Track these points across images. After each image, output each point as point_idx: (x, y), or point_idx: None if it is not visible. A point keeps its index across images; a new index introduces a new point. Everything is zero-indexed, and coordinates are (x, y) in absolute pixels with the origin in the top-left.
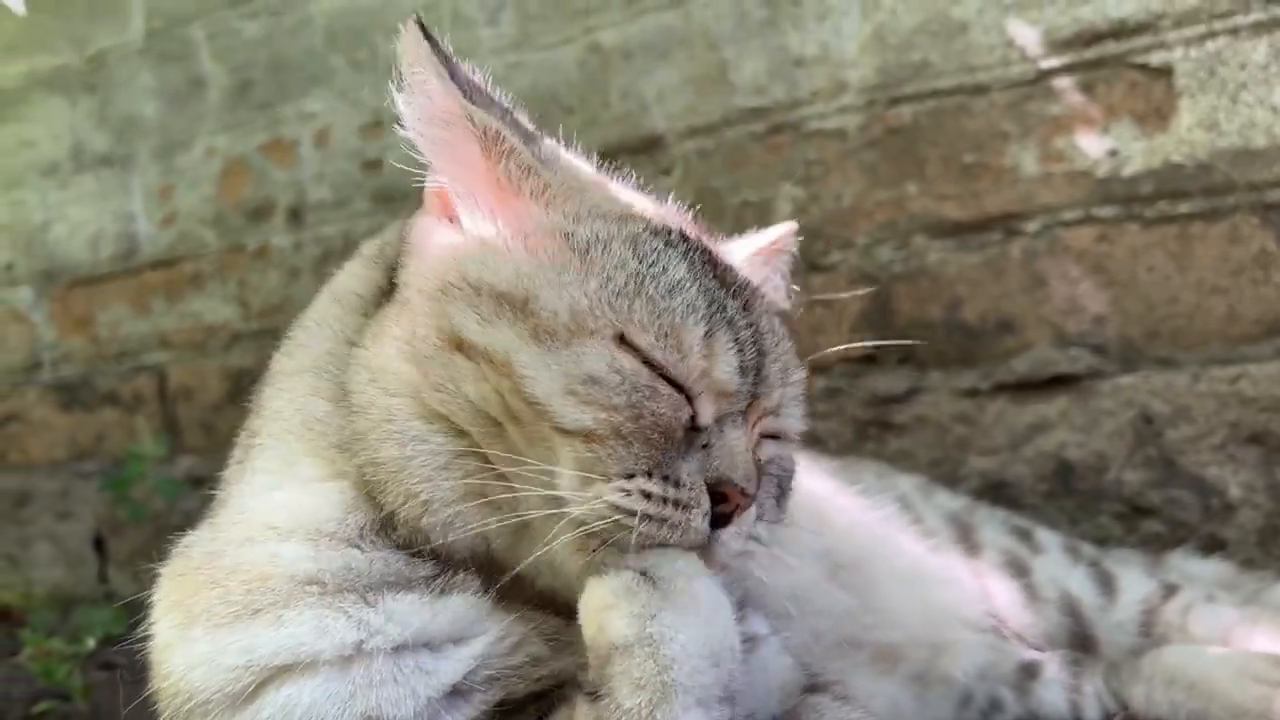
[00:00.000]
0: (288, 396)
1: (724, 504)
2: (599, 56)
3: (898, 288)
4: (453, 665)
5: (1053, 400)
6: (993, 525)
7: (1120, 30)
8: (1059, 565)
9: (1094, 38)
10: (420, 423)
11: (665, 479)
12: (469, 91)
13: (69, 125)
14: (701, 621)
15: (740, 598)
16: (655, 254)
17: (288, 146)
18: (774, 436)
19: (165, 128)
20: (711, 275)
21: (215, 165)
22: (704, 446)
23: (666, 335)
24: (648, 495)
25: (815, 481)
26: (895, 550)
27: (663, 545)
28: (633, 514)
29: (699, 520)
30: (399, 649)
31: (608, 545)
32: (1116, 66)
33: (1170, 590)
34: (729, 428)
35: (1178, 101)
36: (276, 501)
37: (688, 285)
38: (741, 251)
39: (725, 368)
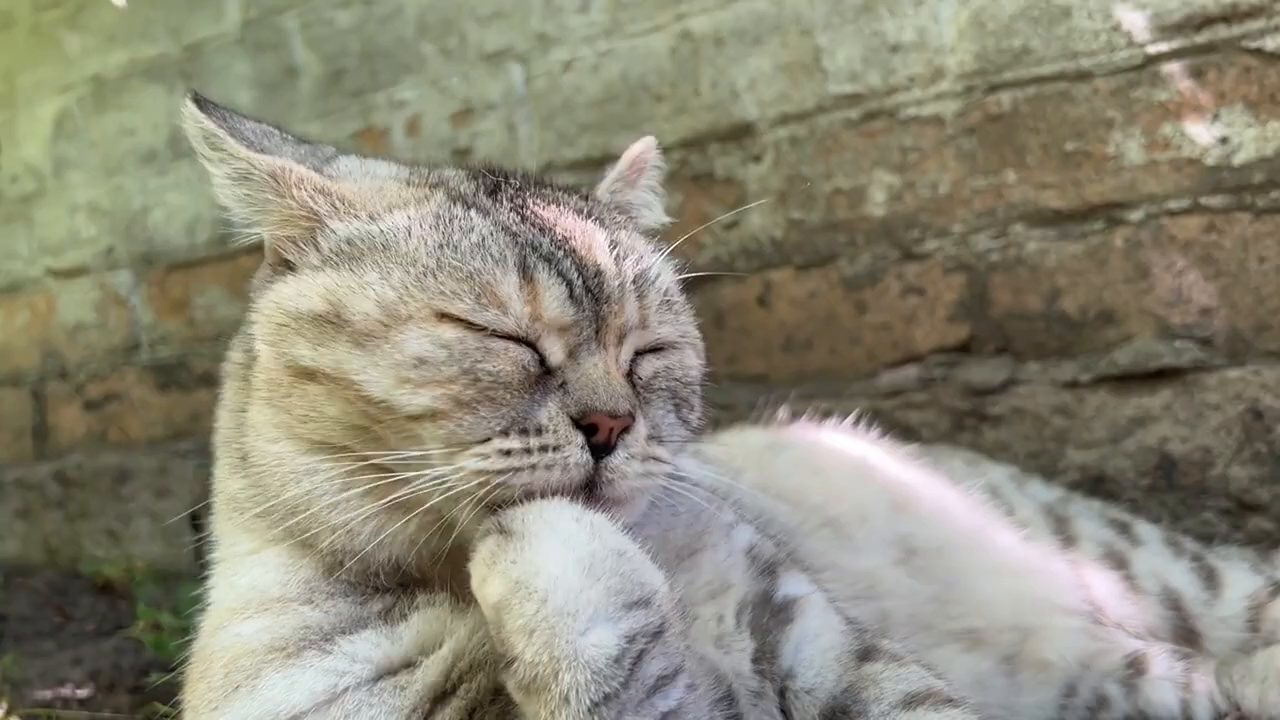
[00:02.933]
0: (217, 482)
1: (597, 434)
2: (690, 44)
3: (995, 277)
4: (424, 673)
5: (1156, 393)
6: (1089, 517)
7: (1232, 14)
8: (1160, 558)
9: (1205, 21)
10: (306, 457)
11: (524, 431)
12: (253, 142)
13: (167, 113)
14: (561, 544)
15: (770, 559)
16: (455, 222)
17: (380, 134)
18: (655, 350)
19: (260, 115)
20: (522, 219)
21: None
22: (561, 385)
23: (480, 295)
24: (507, 453)
25: (895, 467)
26: (985, 538)
27: (553, 491)
28: (501, 473)
29: (576, 454)
30: (375, 678)
31: (497, 501)
32: (1228, 51)
33: (1278, 587)
34: (583, 358)
35: None
36: (232, 585)
37: (491, 240)
38: (603, 183)
39: (552, 303)
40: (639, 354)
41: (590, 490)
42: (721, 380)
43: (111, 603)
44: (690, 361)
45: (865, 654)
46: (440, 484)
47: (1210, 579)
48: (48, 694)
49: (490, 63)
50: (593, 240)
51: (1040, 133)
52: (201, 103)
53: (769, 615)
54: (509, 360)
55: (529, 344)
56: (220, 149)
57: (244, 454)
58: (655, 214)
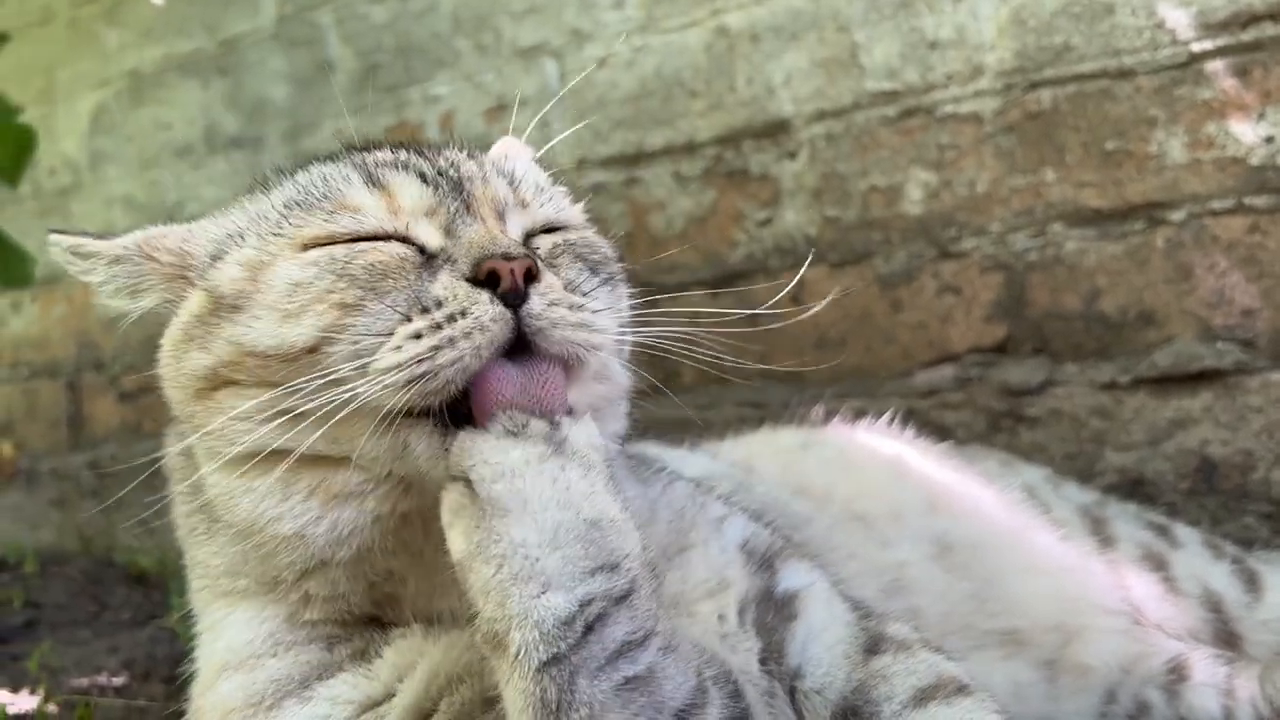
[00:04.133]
0: (190, 567)
1: (500, 282)
2: (725, 40)
3: (1033, 277)
4: (401, 697)
5: (1196, 395)
6: (1126, 519)
7: (1279, 11)
8: (1200, 560)
9: (1251, 19)
10: (241, 479)
11: (424, 310)
12: (106, 234)
13: (202, 108)
14: (528, 515)
15: (767, 550)
16: (307, 175)
17: (414, 129)
18: (550, 230)
19: (294, 110)
20: (376, 151)
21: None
22: (448, 259)
23: (333, 212)
24: (417, 336)
25: (929, 466)
26: (1023, 537)
27: (485, 356)
28: (420, 359)
29: (487, 307)
30: (356, 717)
31: (435, 395)
32: (1274, 49)
33: None
34: (462, 230)
35: None
36: (212, 651)
37: (336, 171)
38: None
39: (408, 193)
40: (532, 235)
41: (526, 350)
42: (754, 379)
43: (145, 592)
44: (596, 239)
45: (873, 645)
46: (370, 402)
47: (1251, 582)
48: (84, 681)
49: (524, 58)
50: (447, 151)
51: (1081, 131)
52: (62, 230)
53: (772, 612)
54: (383, 253)
55: (400, 239)
56: (88, 254)
57: (205, 510)
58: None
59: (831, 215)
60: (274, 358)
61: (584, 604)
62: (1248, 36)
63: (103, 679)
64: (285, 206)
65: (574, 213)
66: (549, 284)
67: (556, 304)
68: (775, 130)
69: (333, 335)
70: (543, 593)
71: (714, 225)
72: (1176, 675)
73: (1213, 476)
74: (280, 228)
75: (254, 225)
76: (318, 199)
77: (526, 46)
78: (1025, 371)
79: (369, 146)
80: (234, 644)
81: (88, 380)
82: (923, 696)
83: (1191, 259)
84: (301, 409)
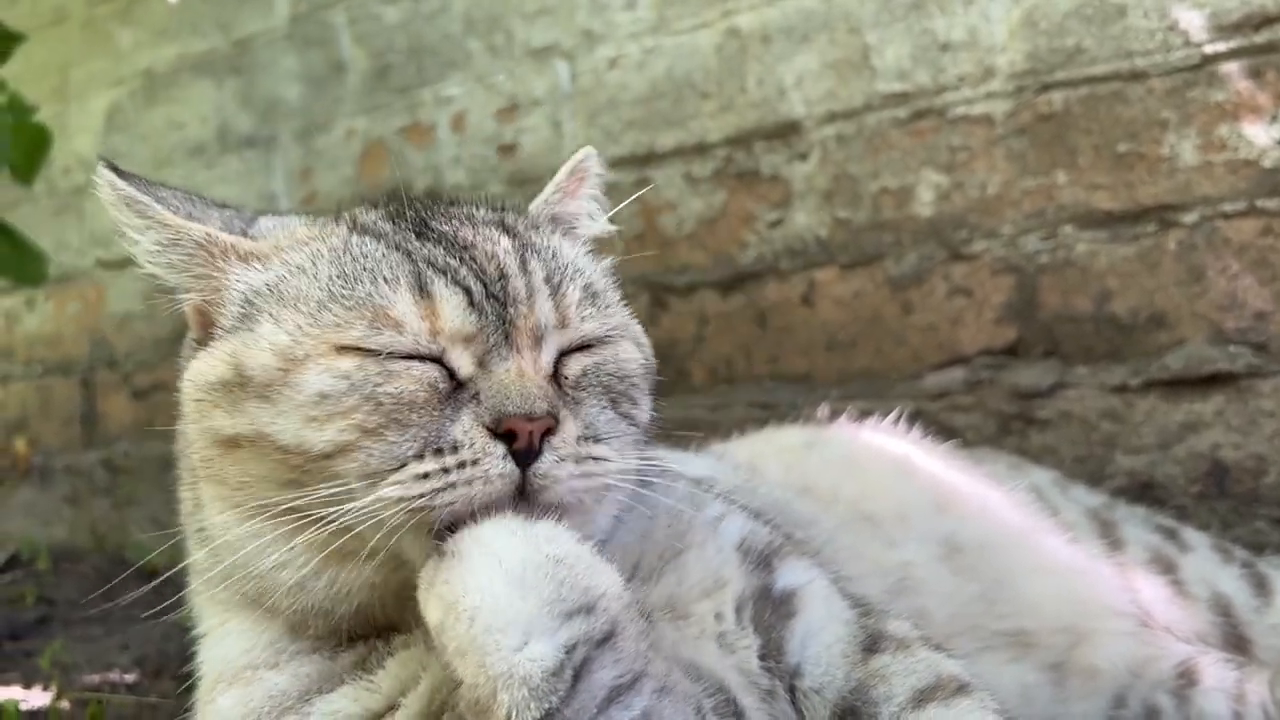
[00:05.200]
0: (190, 557)
1: (516, 440)
2: (737, 41)
3: (1044, 279)
4: (404, 712)
5: (1208, 399)
6: (1135, 522)
7: None
8: (1209, 563)
9: (1264, 21)
10: (248, 524)
11: (439, 451)
12: (179, 209)
13: (215, 107)
14: (489, 559)
15: (765, 548)
16: (349, 251)
17: (425, 129)
18: (583, 348)
19: (307, 110)
20: (419, 237)
21: (355, 147)
22: (474, 396)
23: (374, 319)
24: (424, 476)
25: (937, 466)
26: (1031, 538)
27: (481, 506)
28: (421, 496)
29: (497, 465)
30: None
31: (437, 532)
32: None
33: None
34: (495, 365)
35: None
36: (210, 659)
37: (383, 262)
38: (546, 190)
39: (452, 314)
40: (565, 354)
41: (527, 499)
42: (764, 380)
43: (158, 589)
44: (627, 354)
45: (872, 644)
46: (368, 517)
47: (1261, 586)
48: (96, 678)
49: (536, 59)
50: (495, 247)
51: (1092, 133)
52: (118, 169)
53: (770, 610)
54: (412, 380)
55: (435, 360)
56: (148, 216)
57: (200, 527)
58: (598, 223)
59: (842, 217)
60: (292, 452)
61: (569, 649)
62: (1261, 38)
63: (115, 676)
64: (329, 296)
65: (615, 316)
66: (564, 437)
67: (565, 460)
68: (786, 131)
69: (350, 450)
70: (525, 643)
71: (724, 226)
72: (1186, 680)
73: (1224, 480)
74: (319, 319)
75: (294, 298)
76: (361, 300)
77: (538, 47)
78: (1036, 374)
79: (420, 209)
80: (230, 655)
81: (101, 377)
82: (921, 698)
83: (1203, 261)
84: (311, 505)
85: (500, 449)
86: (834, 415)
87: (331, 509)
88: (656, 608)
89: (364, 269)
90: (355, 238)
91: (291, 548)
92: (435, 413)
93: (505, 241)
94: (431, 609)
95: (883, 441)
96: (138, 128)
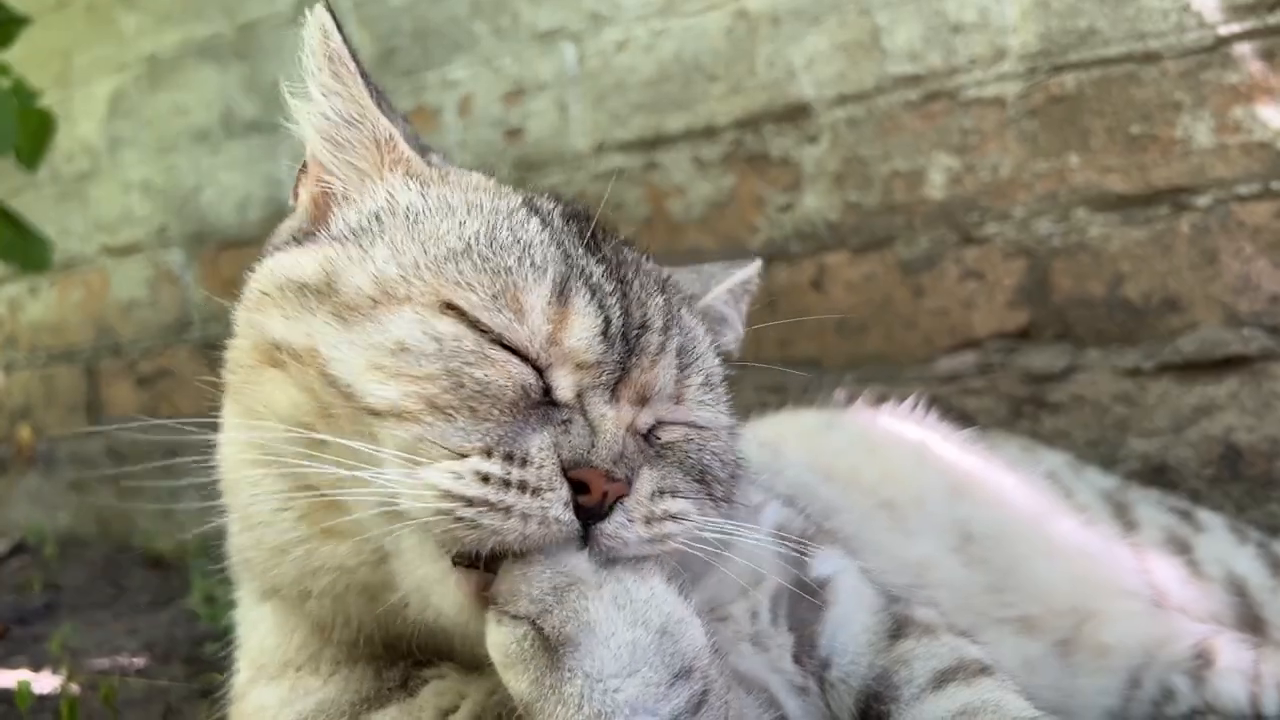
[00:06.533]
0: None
1: (586, 494)
2: (746, 22)
3: (1056, 262)
4: None
5: (1222, 382)
6: (1149, 504)
7: None
8: (1223, 544)
9: (1278, 2)
10: (251, 469)
11: (508, 457)
12: (379, 94)
13: (220, 92)
14: (599, 643)
15: (799, 536)
16: (511, 219)
17: (431, 114)
18: (686, 425)
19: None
20: (584, 249)
21: None
22: (562, 424)
23: (498, 296)
24: (485, 478)
25: (953, 451)
26: (1044, 523)
27: (526, 549)
28: (467, 501)
29: (558, 509)
30: None
31: (453, 543)
32: None
33: None
34: (592, 405)
35: None
36: (248, 642)
37: (539, 247)
38: (717, 290)
39: (581, 333)
40: (664, 424)
41: (587, 543)
42: (774, 363)
43: (164, 576)
44: (721, 446)
45: (897, 630)
46: (389, 496)
47: (1276, 566)
48: (105, 662)
49: (543, 42)
50: (649, 297)
51: (1105, 115)
52: (337, 19)
53: (805, 602)
54: (506, 374)
55: (536, 369)
56: (344, 83)
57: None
58: (734, 333)
59: (853, 200)
60: (339, 389)
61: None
62: (1275, 20)
63: (123, 660)
64: (465, 249)
65: (723, 414)
66: (637, 499)
67: (635, 521)
68: (796, 114)
69: (404, 418)
70: None
71: (734, 210)
72: (1202, 660)
73: (1237, 464)
74: (442, 268)
75: (427, 236)
76: (497, 270)
77: (545, 30)
78: (1048, 357)
79: (614, 235)
80: (266, 645)
81: (105, 365)
82: (942, 679)
83: (1217, 244)
84: (331, 448)
85: (566, 493)
86: (851, 399)
87: (354, 479)
88: (701, 612)
89: (516, 241)
90: (524, 212)
91: (284, 511)
92: (515, 417)
93: (659, 299)
94: (518, 685)
95: (899, 426)
96: (142, 113)
